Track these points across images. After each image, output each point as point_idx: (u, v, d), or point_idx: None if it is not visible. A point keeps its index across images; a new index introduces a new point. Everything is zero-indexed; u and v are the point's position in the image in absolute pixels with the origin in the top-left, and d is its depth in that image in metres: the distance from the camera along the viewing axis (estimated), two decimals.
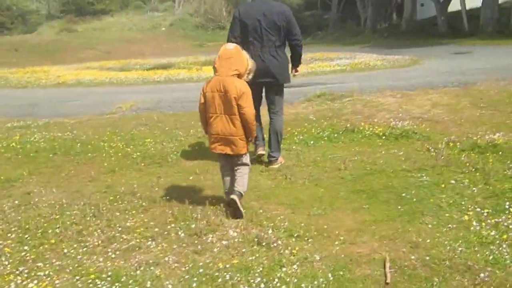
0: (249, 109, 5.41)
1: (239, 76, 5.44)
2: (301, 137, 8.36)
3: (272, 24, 7.10)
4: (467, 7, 34.12)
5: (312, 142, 8.08)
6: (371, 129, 8.32)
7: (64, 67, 26.43)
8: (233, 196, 5.39)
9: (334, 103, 10.47)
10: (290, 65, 7.57)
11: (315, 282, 3.76)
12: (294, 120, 9.42)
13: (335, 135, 8.31)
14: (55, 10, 75.50)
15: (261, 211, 5.40)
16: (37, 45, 41.61)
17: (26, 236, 4.88)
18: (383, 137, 7.97)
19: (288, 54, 7.44)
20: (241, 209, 5.38)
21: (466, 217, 4.75)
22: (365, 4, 47.65)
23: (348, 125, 8.65)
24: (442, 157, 6.65)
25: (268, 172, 6.82)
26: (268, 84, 7.35)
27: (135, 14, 69.43)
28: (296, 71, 7.87)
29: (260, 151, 7.48)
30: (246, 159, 5.71)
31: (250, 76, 5.61)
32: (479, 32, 30.52)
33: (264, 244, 4.47)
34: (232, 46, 5.60)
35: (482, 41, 27.12)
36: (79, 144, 8.63)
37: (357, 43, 35.32)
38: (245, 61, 5.53)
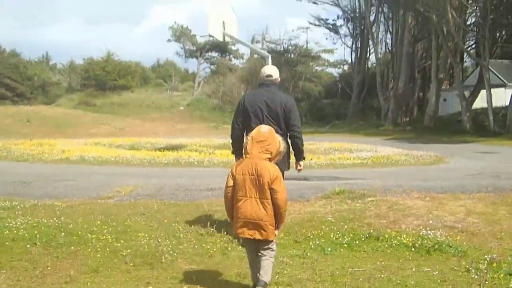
0: (282, 194, 5.33)
1: (270, 159, 5.42)
2: (317, 241, 7.27)
3: (273, 113, 7.35)
4: (493, 105, 33.31)
5: (330, 249, 6.99)
6: (398, 237, 7.24)
7: (73, 141, 25.60)
8: (262, 280, 5.36)
9: (355, 202, 9.35)
10: (291, 155, 7.53)
11: None
12: (310, 220, 8.30)
13: (357, 241, 7.22)
14: (76, 83, 76.62)
15: None
16: (50, 117, 41.21)
17: None
18: (413, 249, 6.88)
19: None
20: None
21: None
22: (387, 96, 47.20)
23: (372, 231, 7.56)
24: (486, 282, 5.51)
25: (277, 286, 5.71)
26: None
27: (155, 91, 70.94)
28: (299, 165, 7.80)
29: None
30: (273, 245, 5.59)
31: (280, 158, 5.59)
32: (507, 132, 29.56)
33: None
34: (267, 128, 5.54)
35: (511, 141, 26.03)
36: (63, 234, 7.51)
37: (378, 135, 34.51)
38: (278, 144, 5.47)
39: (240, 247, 6.76)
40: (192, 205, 9.49)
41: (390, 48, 52.01)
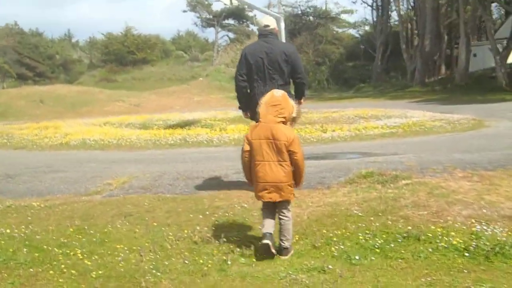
0: (300, 155, 5.56)
1: (284, 122, 5.58)
2: (341, 246, 5.65)
3: (274, 63, 7.49)
4: None
5: (357, 256, 5.35)
6: (445, 237, 5.59)
7: (83, 121, 24.09)
8: (266, 241, 5.47)
9: (387, 188, 7.64)
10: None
11: None
12: (332, 215, 6.64)
13: (391, 245, 5.57)
14: (96, 59, 76.13)
15: None
16: (64, 96, 39.77)
17: None
18: (466, 254, 5.21)
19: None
20: (274, 251, 5.53)
21: None
22: (412, 56, 44.94)
23: (410, 228, 5.90)
24: None
25: None
26: None
27: (176, 64, 70.21)
28: (300, 103, 7.74)
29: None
30: (290, 205, 5.83)
31: (294, 123, 6.00)
32: None
33: None
34: (280, 92, 5.70)
35: None
36: (25, 250, 6.01)
37: (405, 97, 32.32)
38: (291, 108, 5.65)
39: (243, 259, 5.55)
40: (190, 200, 7.90)
41: (412, 4, 49.49)
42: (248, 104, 7.83)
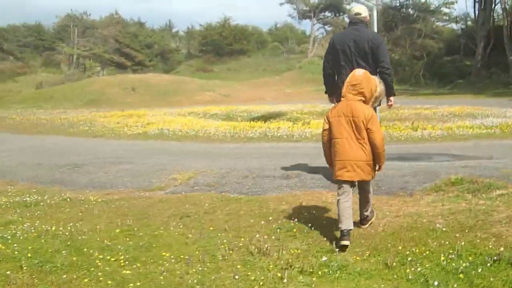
0: (378, 134, 5.50)
1: (365, 101, 5.54)
2: (419, 268, 4.74)
3: (361, 50, 7.50)
4: None
5: (436, 282, 4.43)
6: None
7: (169, 110, 23.81)
8: (345, 243, 5.33)
9: (478, 198, 6.67)
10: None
11: None
12: (411, 228, 5.75)
13: (479, 269, 4.61)
14: (194, 49, 76.98)
15: None
16: (156, 85, 39.90)
17: None
18: None
19: None
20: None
21: None
22: None
23: (502, 249, 4.91)
24: None
25: None
26: None
27: (272, 55, 70.65)
28: (390, 101, 7.79)
29: None
30: (370, 186, 5.91)
31: (377, 103, 5.87)
32: None
33: None
34: (361, 72, 5.71)
35: None
36: (65, 252, 5.44)
37: (507, 95, 30.34)
38: (373, 87, 5.59)
39: (302, 276, 4.75)
40: (255, 201, 7.16)
41: None
42: (334, 90, 7.85)
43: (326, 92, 8.35)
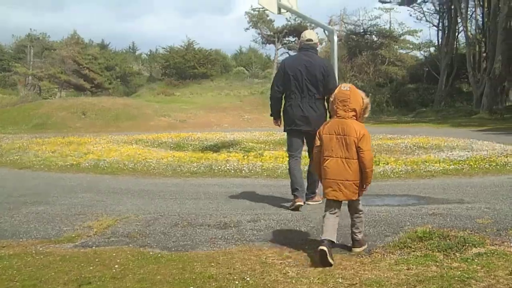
0: (368, 153, 5.52)
1: (356, 116, 5.60)
2: None
3: (312, 77, 7.87)
4: None
5: None
6: None
7: (115, 137, 22.15)
8: (323, 248, 5.30)
9: (451, 259, 5.37)
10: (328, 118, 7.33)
11: None
12: None
13: None
14: (156, 72, 76.46)
15: None
16: (109, 109, 38.14)
17: None
18: None
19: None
20: (331, 261, 5.32)
21: None
22: (479, 80, 41.88)
23: None
24: None
25: None
26: (306, 133, 8.09)
27: (235, 79, 69.51)
28: None
29: (299, 201, 7.98)
30: (360, 205, 5.85)
31: (366, 115, 5.77)
32: None
33: None
34: (347, 86, 5.65)
35: None
36: None
37: (470, 125, 29.29)
38: (361, 100, 5.62)
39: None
40: (179, 261, 5.73)
41: (481, 25, 46.29)
42: (279, 113, 8.40)
43: (271, 115, 8.54)
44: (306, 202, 8.20)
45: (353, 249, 5.81)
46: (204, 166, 12.94)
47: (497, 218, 6.90)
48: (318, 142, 5.71)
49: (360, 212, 5.83)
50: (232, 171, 12.39)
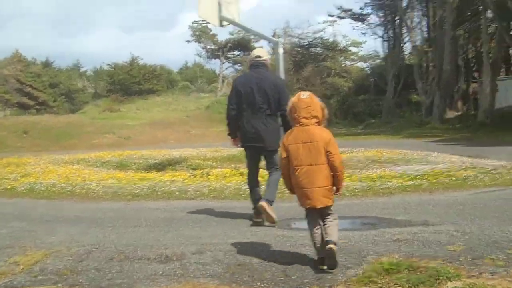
0: (338, 156, 5.52)
1: (319, 122, 5.57)
2: None
3: (263, 93, 7.89)
4: None
5: None
6: None
7: (56, 156, 21.00)
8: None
9: None
10: (281, 133, 7.72)
11: None
12: None
13: None
14: (101, 89, 75.24)
15: None
16: (51, 127, 36.93)
17: None
18: None
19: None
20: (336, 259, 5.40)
21: None
22: (427, 90, 41.81)
23: None
24: None
25: None
26: (258, 149, 8.11)
27: (181, 94, 68.92)
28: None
29: (258, 219, 8.03)
30: (332, 209, 5.67)
31: (326, 121, 5.68)
32: None
33: None
34: (306, 94, 5.64)
35: None
36: None
37: (423, 136, 28.77)
38: (320, 107, 5.60)
39: None
40: None
41: (427, 35, 46.33)
42: (236, 132, 8.35)
43: (229, 135, 8.54)
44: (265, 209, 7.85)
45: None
46: (147, 188, 12.03)
47: (469, 244, 6.20)
48: (284, 154, 5.61)
49: (335, 215, 5.68)
50: (177, 193, 11.49)
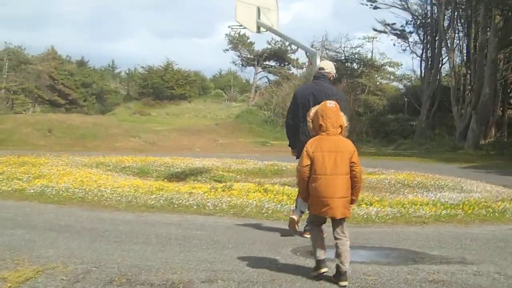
0: (360, 167, 5.56)
1: (342, 132, 5.62)
2: None
3: (318, 104, 6.90)
4: None
5: None
6: None
7: (76, 158, 20.48)
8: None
9: None
10: None
11: None
12: None
13: None
14: (134, 91, 75.49)
15: None
16: (76, 127, 36.57)
17: None
18: None
19: None
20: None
21: None
22: (463, 113, 40.55)
23: None
24: None
25: None
26: None
27: (213, 102, 69.38)
28: None
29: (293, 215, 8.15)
30: (346, 226, 5.67)
31: (346, 133, 5.75)
32: None
33: None
34: (333, 103, 5.69)
35: None
36: None
37: (456, 161, 27.62)
38: (342, 118, 5.66)
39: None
40: None
41: (466, 56, 44.99)
42: (295, 143, 8.35)
43: (289, 145, 8.68)
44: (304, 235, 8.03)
45: (340, 283, 5.48)
46: (164, 199, 11.31)
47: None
48: (308, 162, 5.52)
49: (347, 233, 5.65)
50: (195, 207, 10.75)
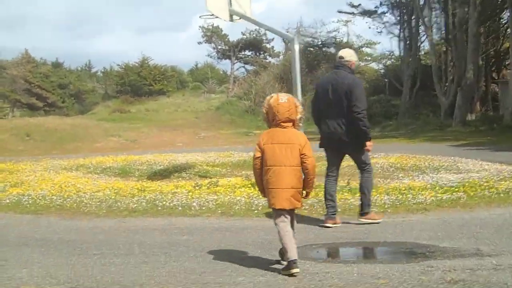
0: (312, 159, 5.57)
1: (294, 125, 5.64)
2: None
3: (336, 94, 7.86)
4: None
5: None
6: None
7: (54, 162, 19.71)
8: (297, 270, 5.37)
9: None
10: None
11: None
12: None
13: None
14: (112, 90, 74.98)
15: None
16: (55, 130, 35.72)
17: None
18: None
19: None
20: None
21: None
22: (448, 90, 40.11)
23: None
24: None
25: None
26: (340, 150, 8.13)
27: (191, 95, 69.51)
28: (365, 145, 7.96)
29: (329, 223, 7.88)
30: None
31: (301, 124, 5.85)
32: None
33: None
34: (285, 98, 5.63)
35: None
36: None
37: (445, 140, 27.17)
38: (296, 110, 5.63)
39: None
40: None
41: (445, 33, 44.49)
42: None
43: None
44: (360, 219, 8.15)
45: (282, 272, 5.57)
46: (146, 202, 10.57)
47: None
48: (258, 154, 5.61)
49: (294, 222, 5.79)
50: (180, 208, 10.01)
